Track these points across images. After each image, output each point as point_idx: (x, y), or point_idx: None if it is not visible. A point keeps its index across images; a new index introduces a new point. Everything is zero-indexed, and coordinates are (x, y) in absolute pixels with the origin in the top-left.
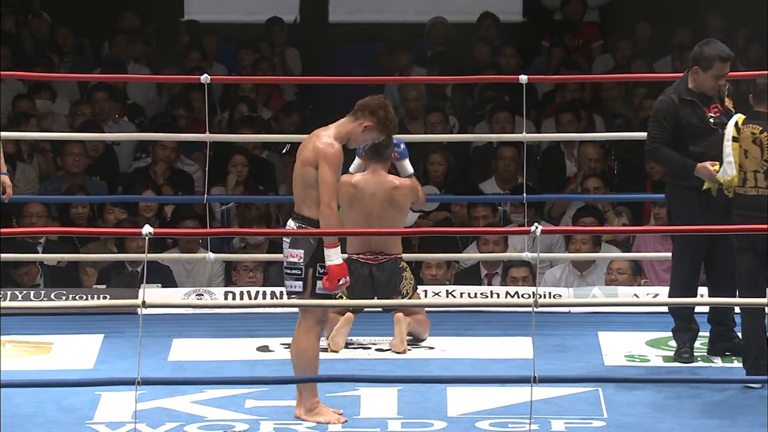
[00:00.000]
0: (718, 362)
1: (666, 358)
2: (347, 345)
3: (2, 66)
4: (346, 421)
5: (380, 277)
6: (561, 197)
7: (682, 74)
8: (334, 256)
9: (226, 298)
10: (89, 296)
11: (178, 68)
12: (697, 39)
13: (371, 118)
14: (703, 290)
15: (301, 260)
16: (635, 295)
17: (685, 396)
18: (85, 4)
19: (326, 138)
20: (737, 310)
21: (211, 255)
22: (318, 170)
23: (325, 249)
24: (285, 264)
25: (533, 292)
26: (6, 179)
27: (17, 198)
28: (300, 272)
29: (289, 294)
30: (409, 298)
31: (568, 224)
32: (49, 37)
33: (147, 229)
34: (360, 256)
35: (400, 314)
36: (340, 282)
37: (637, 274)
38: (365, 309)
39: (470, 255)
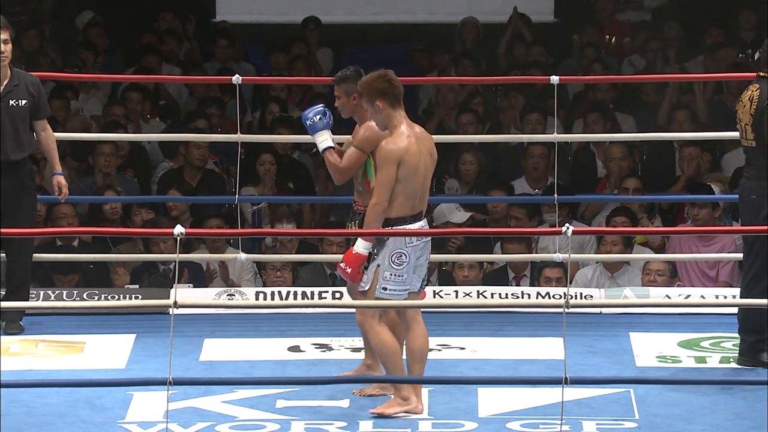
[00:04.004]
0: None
1: (698, 359)
2: None
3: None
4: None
5: None
6: (591, 198)
7: (716, 74)
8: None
9: (257, 299)
10: (121, 296)
11: (209, 69)
12: (728, 38)
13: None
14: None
15: None
16: (667, 296)
17: (718, 397)
18: (122, 4)
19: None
20: None
21: (243, 255)
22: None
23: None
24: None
25: (564, 293)
26: (61, 179)
27: (44, 198)
28: None
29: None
30: None
31: (601, 225)
32: (83, 36)
33: (179, 229)
34: None
35: None
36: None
37: (674, 276)
38: None
39: (503, 256)
